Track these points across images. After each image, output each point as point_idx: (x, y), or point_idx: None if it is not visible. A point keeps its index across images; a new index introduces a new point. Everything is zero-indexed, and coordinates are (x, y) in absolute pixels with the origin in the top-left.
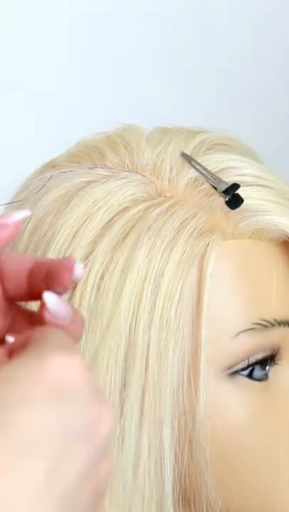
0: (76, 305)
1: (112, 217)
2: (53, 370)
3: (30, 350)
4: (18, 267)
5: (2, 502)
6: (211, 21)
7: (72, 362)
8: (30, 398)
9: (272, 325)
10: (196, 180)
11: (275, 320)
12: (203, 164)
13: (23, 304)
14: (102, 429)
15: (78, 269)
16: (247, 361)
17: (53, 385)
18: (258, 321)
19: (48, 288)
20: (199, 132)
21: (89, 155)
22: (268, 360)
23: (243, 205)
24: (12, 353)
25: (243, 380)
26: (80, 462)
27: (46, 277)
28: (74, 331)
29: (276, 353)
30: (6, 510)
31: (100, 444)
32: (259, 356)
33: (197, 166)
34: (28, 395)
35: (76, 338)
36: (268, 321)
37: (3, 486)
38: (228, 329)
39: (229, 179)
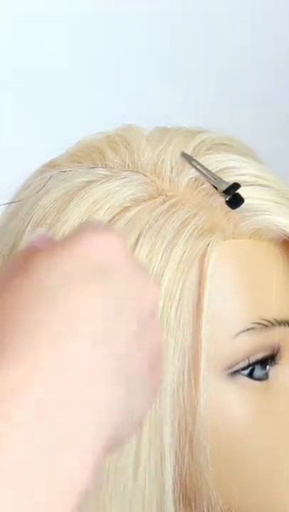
0: None
1: (113, 217)
2: (93, 250)
3: (69, 237)
4: None
5: (59, 378)
6: (211, 21)
7: (112, 241)
8: (74, 279)
9: (273, 325)
10: (196, 180)
11: (275, 320)
12: (203, 164)
13: None
14: (148, 300)
15: None
16: (247, 361)
17: (94, 264)
18: (258, 321)
19: None
20: (199, 132)
21: (89, 155)
22: (268, 360)
23: (243, 205)
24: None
25: (243, 379)
26: (128, 331)
27: None
28: None
29: (276, 352)
30: (64, 385)
31: (148, 314)
32: (259, 356)
33: (197, 166)
34: (70, 276)
35: None
36: (268, 321)
37: (57, 362)
38: (229, 329)
39: (229, 179)
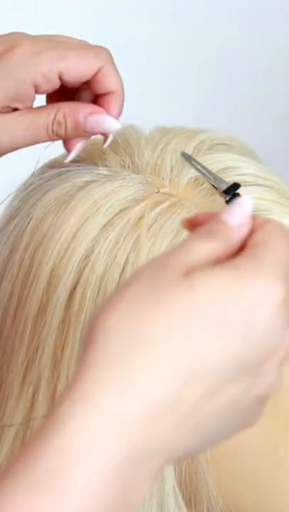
0: (76, 305)
1: (112, 218)
2: (247, 302)
3: (241, 265)
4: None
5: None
6: (210, 20)
7: (270, 295)
8: (217, 331)
9: None
10: (196, 180)
11: None
12: (203, 164)
13: None
14: (275, 359)
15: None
16: None
17: (242, 319)
18: None
19: None
20: (199, 132)
21: (89, 155)
22: None
23: None
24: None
25: None
26: (239, 390)
27: None
28: None
29: None
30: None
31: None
32: None
33: (197, 166)
34: (216, 325)
35: None
36: None
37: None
38: None
39: (229, 179)
